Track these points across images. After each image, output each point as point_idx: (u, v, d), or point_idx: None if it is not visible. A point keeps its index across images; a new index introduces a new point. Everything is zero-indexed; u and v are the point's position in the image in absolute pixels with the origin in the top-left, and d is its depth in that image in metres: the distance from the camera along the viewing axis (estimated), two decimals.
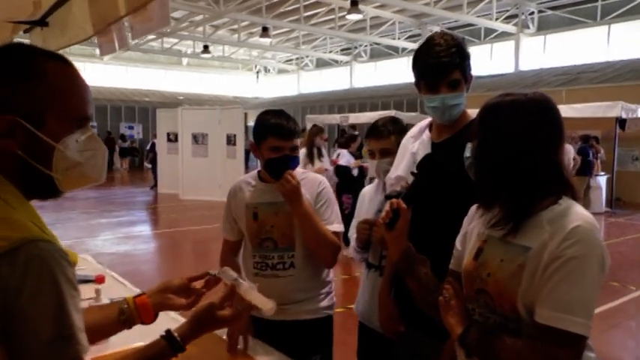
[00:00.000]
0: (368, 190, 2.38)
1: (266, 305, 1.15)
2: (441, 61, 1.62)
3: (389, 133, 2.20)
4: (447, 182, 1.65)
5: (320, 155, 6.75)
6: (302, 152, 6.51)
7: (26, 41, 2.78)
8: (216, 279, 1.29)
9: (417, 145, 1.80)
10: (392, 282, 1.95)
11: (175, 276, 1.31)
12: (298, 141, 1.98)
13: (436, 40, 1.66)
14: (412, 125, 1.96)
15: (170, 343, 1.07)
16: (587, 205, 9.99)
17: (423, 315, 1.57)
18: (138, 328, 1.25)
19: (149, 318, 1.23)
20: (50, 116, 0.91)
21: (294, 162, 1.95)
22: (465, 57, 1.67)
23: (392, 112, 13.55)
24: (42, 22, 2.56)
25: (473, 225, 1.38)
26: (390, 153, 2.14)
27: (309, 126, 17.24)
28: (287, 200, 1.90)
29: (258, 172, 2.09)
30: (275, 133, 1.91)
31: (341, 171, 7.01)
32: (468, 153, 1.32)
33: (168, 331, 1.09)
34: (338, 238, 2.01)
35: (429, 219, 1.67)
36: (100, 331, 1.18)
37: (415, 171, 1.69)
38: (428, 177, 1.63)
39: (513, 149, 1.21)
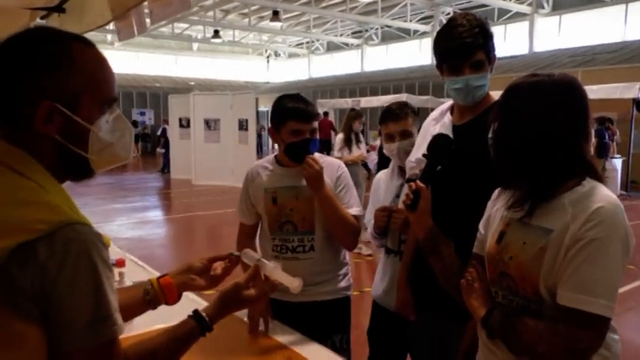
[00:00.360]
0: (382, 177, 2.38)
1: (293, 283, 1.17)
2: (463, 42, 1.60)
3: (406, 115, 2.21)
4: (469, 165, 1.64)
5: (358, 141, 6.42)
6: (339, 137, 6.32)
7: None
8: (237, 258, 1.31)
9: (438, 128, 1.79)
10: (409, 269, 1.97)
11: (189, 260, 1.33)
12: (317, 123, 1.98)
13: (458, 21, 1.64)
14: (423, 108, 1.94)
15: (199, 322, 1.09)
16: None
17: (439, 298, 1.58)
18: (160, 310, 1.27)
19: (173, 298, 1.26)
20: (84, 99, 0.93)
21: (314, 145, 1.96)
22: (489, 37, 1.65)
23: (403, 96, 13.45)
24: (59, 9, 2.57)
25: (496, 208, 1.38)
26: (409, 135, 2.16)
27: (320, 110, 17.29)
28: (310, 184, 1.91)
29: (275, 156, 2.09)
30: (294, 117, 1.91)
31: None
32: (490, 134, 1.32)
33: (196, 312, 1.10)
34: (357, 221, 2.02)
35: (451, 202, 1.66)
36: (126, 312, 1.20)
37: (426, 152, 1.69)
38: (448, 159, 1.63)
39: (532, 131, 1.20)
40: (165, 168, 14.55)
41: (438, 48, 1.69)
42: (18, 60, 0.91)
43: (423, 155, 1.69)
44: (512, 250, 1.25)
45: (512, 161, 1.25)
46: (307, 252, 2.01)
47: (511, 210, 1.28)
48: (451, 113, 1.81)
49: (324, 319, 2.01)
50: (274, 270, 1.18)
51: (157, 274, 1.82)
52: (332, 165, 2.06)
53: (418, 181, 1.50)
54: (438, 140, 1.65)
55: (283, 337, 1.82)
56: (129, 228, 7.92)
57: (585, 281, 1.11)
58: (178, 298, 1.27)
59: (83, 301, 0.82)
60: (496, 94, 1.45)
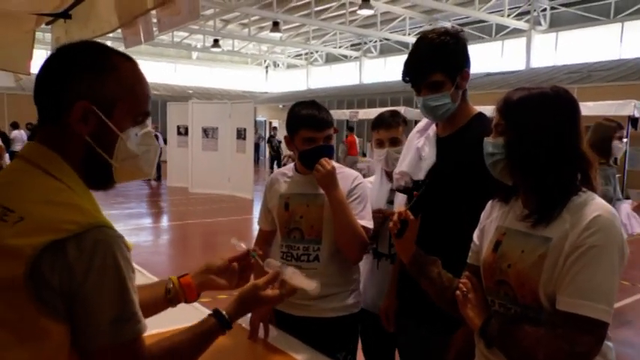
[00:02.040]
0: (368, 185, 2.37)
1: (310, 285, 1.21)
2: (419, 64, 1.64)
3: (397, 124, 2.28)
4: (451, 178, 1.65)
5: None
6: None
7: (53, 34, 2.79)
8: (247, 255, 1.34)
9: (422, 140, 1.81)
10: (399, 278, 1.97)
11: (185, 268, 1.36)
12: (332, 130, 1.97)
13: (424, 40, 1.67)
14: (420, 121, 1.98)
15: (219, 320, 1.12)
16: None
17: (427, 311, 1.60)
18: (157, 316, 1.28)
19: (192, 297, 1.30)
20: (118, 108, 0.97)
21: (328, 151, 1.94)
22: (452, 55, 1.63)
23: (401, 109, 13.50)
24: (65, 15, 2.59)
25: (491, 219, 1.40)
26: (398, 142, 2.22)
27: None
28: (322, 186, 1.89)
29: (295, 164, 2.10)
30: (307, 125, 1.91)
31: None
32: (491, 149, 1.30)
33: (216, 310, 1.14)
34: (367, 234, 1.97)
35: (435, 216, 1.67)
36: (149, 309, 1.22)
37: (423, 179, 1.71)
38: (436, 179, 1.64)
39: (549, 143, 1.22)
40: (158, 177, 14.51)
41: (404, 68, 1.71)
42: (64, 65, 0.96)
43: (421, 183, 1.72)
44: (511, 258, 1.26)
45: (526, 174, 1.25)
46: (311, 262, 1.96)
47: (515, 221, 1.29)
48: (437, 125, 1.82)
49: (328, 336, 1.93)
50: (293, 275, 1.22)
51: (156, 279, 1.83)
52: (349, 176, 2.03)
53: (408, 212, 1.47)
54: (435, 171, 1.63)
55: (283, 345, 1.82)
56: (124, 234, 7.84)
57: (585, 287, 1.13)
58: (197, 296, 1.31)
59: (108, 301, 0.86)
60: (488, 109, 1.48)
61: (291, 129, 1.97)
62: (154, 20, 2.00)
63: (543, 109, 1.25)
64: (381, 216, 2.16)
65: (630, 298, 5.03)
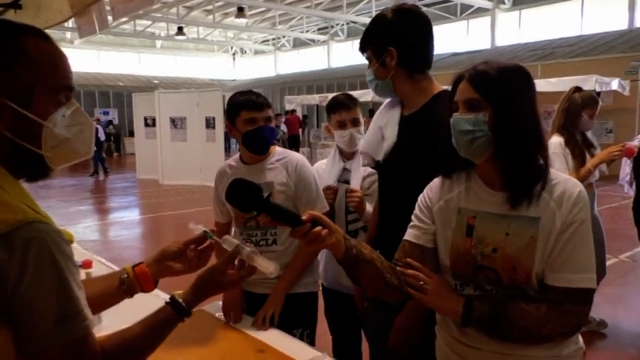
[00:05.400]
0: (321, 165, 2.44)
1: (268, 268, 1.16)
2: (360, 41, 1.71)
3: (355, 105, 2.33)
4: (410, 157, 1.61)
5: None
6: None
7: None
8: (214, 241, 1.26)
9: (385, 118, 1.78)
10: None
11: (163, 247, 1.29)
12: (271, 111, 2.02)
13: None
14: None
15: (175, 308, 1.08)
16: None
17: None
18: (129, 309, 1.24)
19: (149, 286, 1.24)
20: (37, 94, 0.90)
21: (270, 132, 2.00)
22: (382, 31, 1.63)
23: (370, 92, 13.53)
24: (15, 5, 2.49)
25: (445, 200, 1.32)
26: (359, 123, 2.30)
27: (288, 107, 17.24)
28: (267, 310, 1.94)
29: (240, 154, 2.11)
30: (247, 106, 1.96)
31: None
32: (470, 126, 1.19)
33: (172, 297, 1.10)
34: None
35: (396, 196, 1.68)
36: (102, 302, 1.19)
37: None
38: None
39: (532, 116, 1.20)
40: (95, 171, 14.06)
41: None
42: None
43: (377, 164, 1.75)
44: (494, 242, 1.22)
45: (513, 147, 1.19)
46: (270, 245, 2.01)
47: (506, 203, 1.20)
48: (402, 104, 1.77)
49: (286, 314, 1.95)
50: (251, 255, 1.17)
51: None
52: (291, 161, 2.05)
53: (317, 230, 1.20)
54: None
55: (254, 331, 1.84)
56: (95, 230, 7.75)
57: (580, 260, 1.17)
58: (155, 285, 1.25)
59: (48, 300, 0.81)
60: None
61: (232, 114, 2.00)
62: (108, 8, 1.94)
63: (520, 81, 1.22)
64: (331, 192, 2.22)
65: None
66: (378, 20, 1.67)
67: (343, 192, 2.25)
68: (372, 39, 1.67)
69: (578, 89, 3.43)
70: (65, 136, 0.94)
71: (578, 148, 3.25)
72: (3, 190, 0.84)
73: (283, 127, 15.32)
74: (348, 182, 2.28)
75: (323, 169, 2.39)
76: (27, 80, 0.89)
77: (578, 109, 3.29)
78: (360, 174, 2.26)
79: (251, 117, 1.95)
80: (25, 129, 0.89)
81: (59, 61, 0.95)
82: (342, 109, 2.31)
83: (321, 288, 2.38)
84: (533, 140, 1.20)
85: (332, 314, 2.41)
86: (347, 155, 2.33)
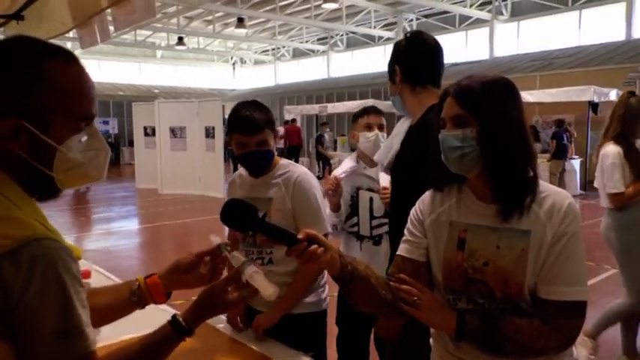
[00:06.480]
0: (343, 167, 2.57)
1: (267, 290, 1.12)
2: None
3: (381, 113, 2.59)
4: (409, 168, 1.68)
5: None
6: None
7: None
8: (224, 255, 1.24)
9: (398, 129, 1.91)
10: None
11: (157, 270, 1.27)
12: (267, 132, 1.89)
13: None
14: (389, 113, 2.10)
15: (175, 327, 1.06)
16: (562, 187, 10.14)
17: None
18: (129, 320, 1.23)
19: (161, 298, 1.22)
20: (56, 119, 0.90)
21: (261, 156, 1.90)
22: (394, 54, 1.82)
23: (370, 101, 13.59)
24: (17, 16, 2.50)
25: (437, 214, 1.32)
26: (384, 128, 2.53)
27: (287, 116, 17.28)
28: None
29: None
30: (237, 129, 1.88)
31: None
32: (458, 142, 1.19)
33: (173, 316, 1.09)
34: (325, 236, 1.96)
35: (399, 203, 1.71)
36: (112, 313, 1.18)
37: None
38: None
39: (519, 130, 1.20)
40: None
41: None
42: None
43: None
44: (484, 256, 1.22)
45: (501, 162, 1.19)
46: (266, 265, 1.94)
47: (497, 216, 1.20)
48: None
49: (292, 334, 1.88)
50: (253, 275, 1.14)
51: None
52: (289, 178, 1.95)
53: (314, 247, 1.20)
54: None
55: (260, 346, 1.81)
56: (94, 239, 7.73)
57: (573, 273, 1.17)
58: (167, 297, 1.23)
59: (51, 319, 0.80)
60: None
61: (228, 130, 1.95)
62: (110, 19, 1.95)
63: (505, 94, 1.22)
64: (334, 180, 2.36)
65: (595, 279, 5.19)
66: (396, 45, 1.85)
67: (367, 199, 2.36)
68: (390, 61, 1.83)
69: (631, 94, 3.08)
70: (80, 160, 0.94)
71: (638, 158, 2.97)
72: (16, 206, 0.85)
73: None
74: (371, 190, 2.39)
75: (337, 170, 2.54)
76: (47, 104, 0.89)
77: (638, 115, 2.97)
78: (387, 175, 2.26)
79: (241, 141, 1.88)
80: (39, 151, 0.90)
81: (82, 88, 0.94)
82: (372, 112, 2.54)
83: (336, 294, 2.31)
84: (521, 152, 1.21)
85: (343, 323, 2.43)
86: (367, 162, 2.43)
